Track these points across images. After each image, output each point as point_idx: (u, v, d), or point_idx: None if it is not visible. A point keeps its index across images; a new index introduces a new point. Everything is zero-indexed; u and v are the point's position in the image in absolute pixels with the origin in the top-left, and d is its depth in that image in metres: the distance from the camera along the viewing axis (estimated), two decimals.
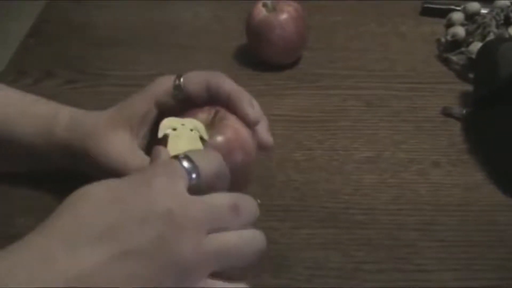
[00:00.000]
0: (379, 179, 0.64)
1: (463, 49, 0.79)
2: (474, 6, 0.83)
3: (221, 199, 0.44)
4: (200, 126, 0.53)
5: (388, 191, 0.63)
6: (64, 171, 0.60)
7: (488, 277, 0.55)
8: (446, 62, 0.81)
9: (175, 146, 0.51)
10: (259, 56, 0.80)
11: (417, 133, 0.70)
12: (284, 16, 0.77)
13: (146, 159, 0.53)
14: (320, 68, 0.80)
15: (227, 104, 0.55)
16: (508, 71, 0.66)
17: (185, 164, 0.44)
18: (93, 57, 0.83)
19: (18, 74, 0.79)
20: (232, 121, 0.54)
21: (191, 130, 0.52)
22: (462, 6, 0.84)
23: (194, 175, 0.44)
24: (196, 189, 0.43)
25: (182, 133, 0.52)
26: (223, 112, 0.54)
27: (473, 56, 0.76)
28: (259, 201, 0.47)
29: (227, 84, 0.55)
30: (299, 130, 0.70)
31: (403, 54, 0.83)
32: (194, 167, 0.44)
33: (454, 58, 0.80)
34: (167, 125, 0.52)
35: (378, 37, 0.87)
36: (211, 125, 0.54)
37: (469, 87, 0.75)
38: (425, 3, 0.92)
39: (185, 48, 0.85)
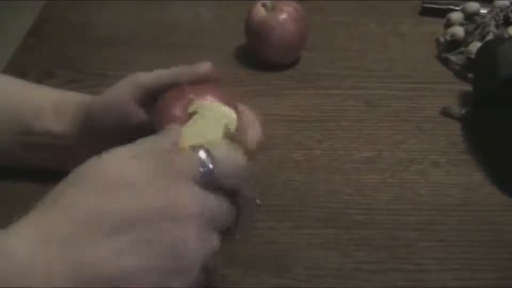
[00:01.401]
0: (378, 179, 0.64)
1: (462, 49, 0.79)
2: (473, 6, 0.83)
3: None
4: (232, 119, 0.50)
5: (388, 191, 0.63)
6: (64, 171, 0.60)
7: (488, 277, 0.55)
8: (445, 62, 0.81)
9: (195, 130, 0.48)
10: (259, 56, 0.80)
11: (417, 133, 0.70)
12: (283, 16, 0.77)
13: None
14: (320, 68, 0.80)
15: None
16: (507, 71, 0.66)
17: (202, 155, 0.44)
18: (93, 57, 0.83)
19: (18, 74, 0.79)
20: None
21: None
22: (461, 6, 0.84)
23: (209, 167, 0.43)
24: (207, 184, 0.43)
25: (209, 118, 0.49)
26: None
27: (472, 56, 0.76)
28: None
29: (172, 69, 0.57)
30: (299, 130, 0.70)
31: (403, 54, 0.83)
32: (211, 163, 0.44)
33: (453, 58, 0.80)
34: (199, 105, 0.50)
35: (378, 37, 0.87)
36: None
37: (468, 87, 0.75)
38: (424, 3, 0.92)
39: (185, 48, 0.85)
